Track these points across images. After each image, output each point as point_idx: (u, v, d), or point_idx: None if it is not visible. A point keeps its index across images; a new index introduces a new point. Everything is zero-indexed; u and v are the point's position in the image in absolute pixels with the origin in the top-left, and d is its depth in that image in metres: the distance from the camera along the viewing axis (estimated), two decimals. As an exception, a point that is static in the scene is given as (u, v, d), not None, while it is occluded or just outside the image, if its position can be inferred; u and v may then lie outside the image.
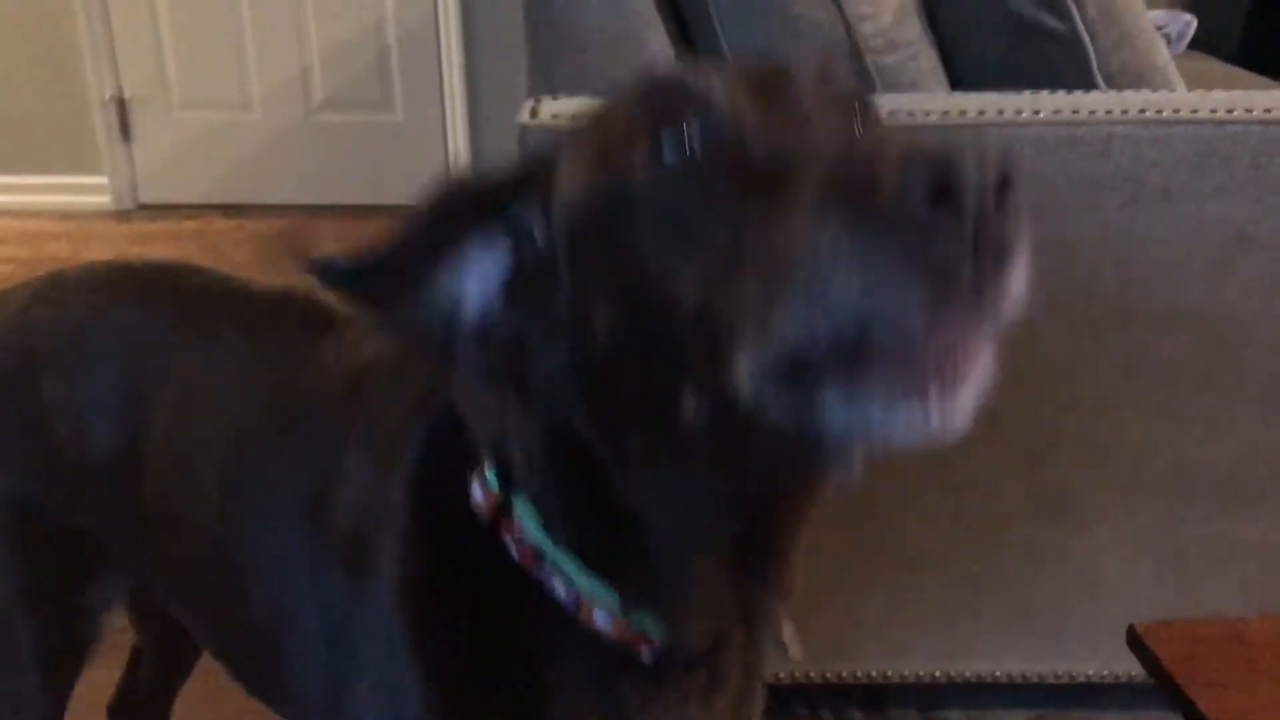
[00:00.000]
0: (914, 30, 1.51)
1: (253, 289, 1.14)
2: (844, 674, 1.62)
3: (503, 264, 0.70)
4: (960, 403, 0.53)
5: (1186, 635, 0.92)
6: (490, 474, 0.78)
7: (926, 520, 1.49)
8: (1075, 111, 1.28)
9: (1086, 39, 1.41)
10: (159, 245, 3.81)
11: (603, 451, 0.69)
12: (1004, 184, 0.49)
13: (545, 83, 1.42)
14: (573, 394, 0.69)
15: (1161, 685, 0.90)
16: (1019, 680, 1.63)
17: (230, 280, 1.16)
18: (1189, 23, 3.06)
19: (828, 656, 1.61)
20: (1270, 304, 1.37)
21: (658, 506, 0.70)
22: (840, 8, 1.43)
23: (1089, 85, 1.41)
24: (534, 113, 1.26)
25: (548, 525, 0.75)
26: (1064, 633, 1.58)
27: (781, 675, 1.58)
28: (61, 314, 1.12)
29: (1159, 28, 2.79)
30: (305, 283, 0.69)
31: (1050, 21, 1.41)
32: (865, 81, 1.46)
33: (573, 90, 1.30)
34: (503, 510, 0.77)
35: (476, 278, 0.70)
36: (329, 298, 0.93)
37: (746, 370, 0.55)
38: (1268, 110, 1.28)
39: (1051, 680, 1.62)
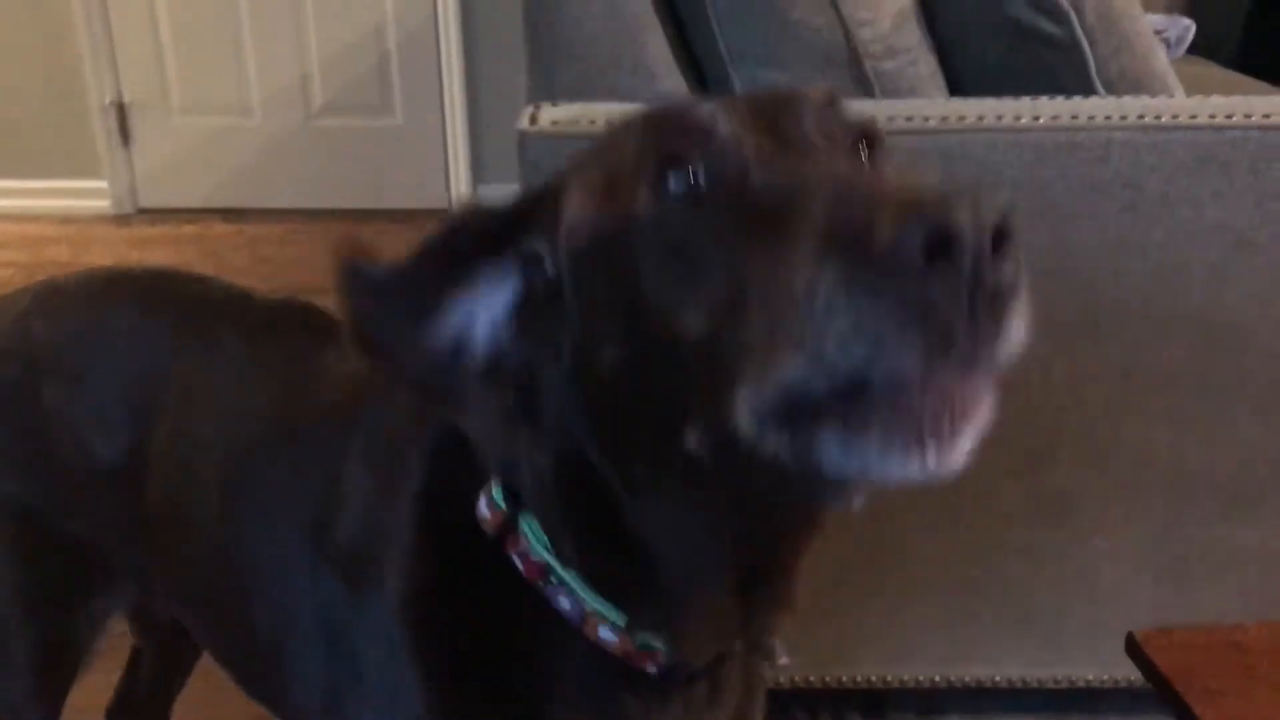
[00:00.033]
0: (913, 35, 1.51)
1: (253, 297, 1.14)
2: (843, 678, 1.62)
3: (513, 293, 0.71)
4: (957, 447, 0.53)
5: (1184, 643, 0.92)
6: (497, 492, 0.78)
7: (926, 525, 1.49)
8: (1074, 117, 1.28)
9: (1085, 44, 1.41)
10: (158, 250, 3.81)
11: (611, 479, 0.70)
12: (1002, 233, 0.50)
13: (545, 88, 1.42)
14: (581, 423, 0.69)
15: (1160, 692, 0.90)
16: (1018, 685, 1.62)
17: (230, 288, 1.16)
18: (1188, 27, 3.06)
19: (827, 661, 1.61)
20: (1269, 309, 1.37)
21: (665, 532, 0.70)
22: (839, 13, 1.43)
23: (1088, 90, 1.41)
24: (534, 119, 1.26)
25: (555, 546, 0.75)
26: (1063, 637, 1.58)
27: (781, 680, 1.58)
28: (62, 321, 1.12)
29: (1158, 32, 2.80)
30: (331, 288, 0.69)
31: (1049, 27, 1.41)
32: (864, 87, 1.46)
33: (572, 96, 1.30)
34: (508, 527, 0.77)
35: (486, 309, 0.71)
36: (330, 308, 0.93)
37: (746, 407, 0.56)
38: (1266, 116, 1.28)
39: (1051, 685, 1.62)
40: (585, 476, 0.71)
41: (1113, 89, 1.42)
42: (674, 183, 0.62)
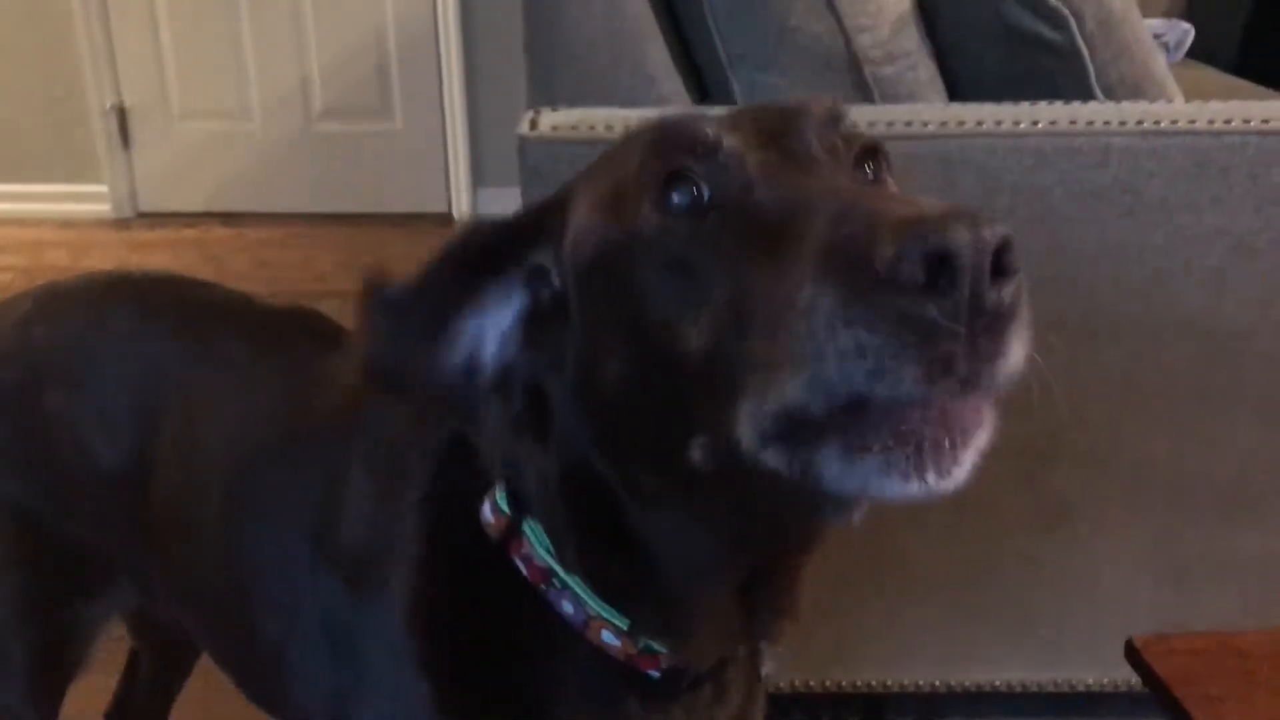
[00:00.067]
0: (912, 41, 1.51)
1: (255, 302, 1.15)
2: (844, 683, 1.62)
3: (519, 306, 0.72)
4: (956, 468, 0.54)
5: (1184, 649, 0.92)
6: (500, 496, 0.79)
7: (925, 529, 1.50)
8: (1073, 122, 1.28)
9: (1085, 50, 1.41)
10: (158, 254, 3.82)
11: (615, 486, 0.70)
12: (1002, 254, 0.50)
13: (545, 93, 1.43)
14: (586, 433, 0.70)
15: (1159, 699, 0.90)
16: (1018, 689, 1.62)
17: (231, 293, 1.17)
18: (1187, 31, 3.06)
19: (827, 665, 1.61)
20: (1268, 314, 1.37)
21: (668, 539, 0.71)
22: (838, 19, 1.44)
23: (1087, 96, 1.41)
24: (534, 124, 1.26)
25: (558, 550, 0.76)
26: (1063, 641, 1.58)
27: (782, 684, 1.58)
28: (62, 324, 1.12)
29: (1157, 36, 2.80)
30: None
31: (1048, 33, 1.41)
32: (863, 92, 1.46)
33: (572, 101, 1.30)
34: (512, 531, 0.78)
35: (494, 323, 0.72)
36: (331, 314, 0.93)
37: (747, 423, 0.56)
38: (1265, 121, 1.29)
39: (1051, 689, 1.62)
40: (589, 482, 0.71)
41: (1112, 94, 1.42)
42: (678, 197, 0.62)
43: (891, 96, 1.47)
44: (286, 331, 1.10)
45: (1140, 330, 1.37)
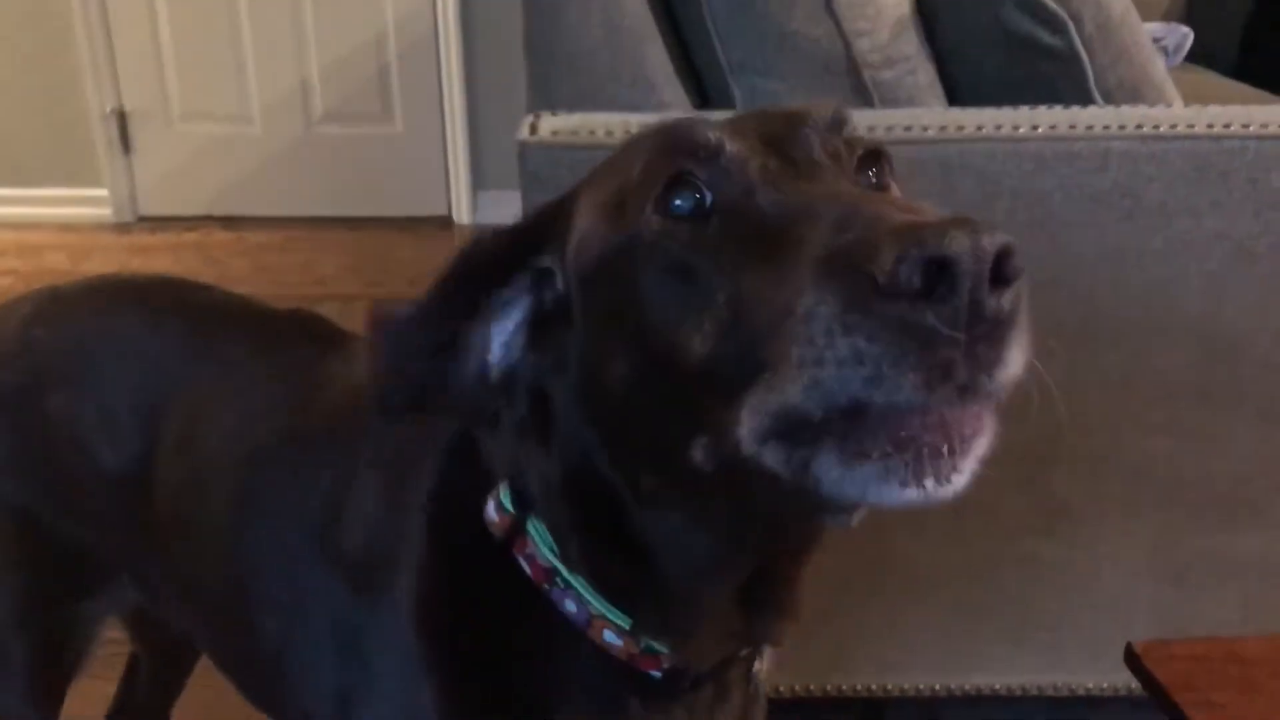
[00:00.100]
0: (911, 45, 1.51)
1: (258, 305, 1.15)
2: (844, 686, 1.62)
3: (524, 308, 0.72)
4: (955, 475, 0.54)
5: (1184, 654, 0.92)
6: (505, 495, 0.79)
7: (925, 533, 1.50)
8: (1072, 127, 1.29)
9: (1083, 54, 1.41)
10: (159, 258, 3.82)
11: (619, 487, 0.71)
12: (1003, 261, 0.50)
13: (545, 98, 1.43)
14: (589, 434, 0.70)
15: (1159, 704, 0.90)
16: (1018, 693, 1.63)
17: (234, 296, 1.17)
18: (1186, 35, 3.07)
19: (827, 669, 1.61)
20: (1267, 318, 1.37)
21: (669, 539, 0.71)
22: (838, 24, 1.44)
23: (1086, 100, 1.42)
24: (534, 129, 1.26)
25: (561, 549, 0.76)
26: (1063, 646, 1.58)
27: (782, 688, 1.58)
28: (64, 327, 1.13)
29: (1156, 40, 2.80)
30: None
31: (1047, 37, 1.41)
32: (862, 97, 1.46)
33: (572, 106, 1.30)
34: (516, 530, 0.78)
35: (500, 327, 0.72)
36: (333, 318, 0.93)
37: (746, 426, 0.56)
38: (1264, 125, 1.29)
39: (1051, 693, 1.62)
40: (592, 484, 0.72)
41: (1111, 98, 1.43)
42: (680, 201, 0.62)
43: (891, 101, 1.47)
44: (287, 333, 1.10)
45: (1140, 334, 1.37)
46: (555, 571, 0.77)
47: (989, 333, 0.51)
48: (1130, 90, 1.44)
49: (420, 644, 0.82)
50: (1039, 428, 1.38)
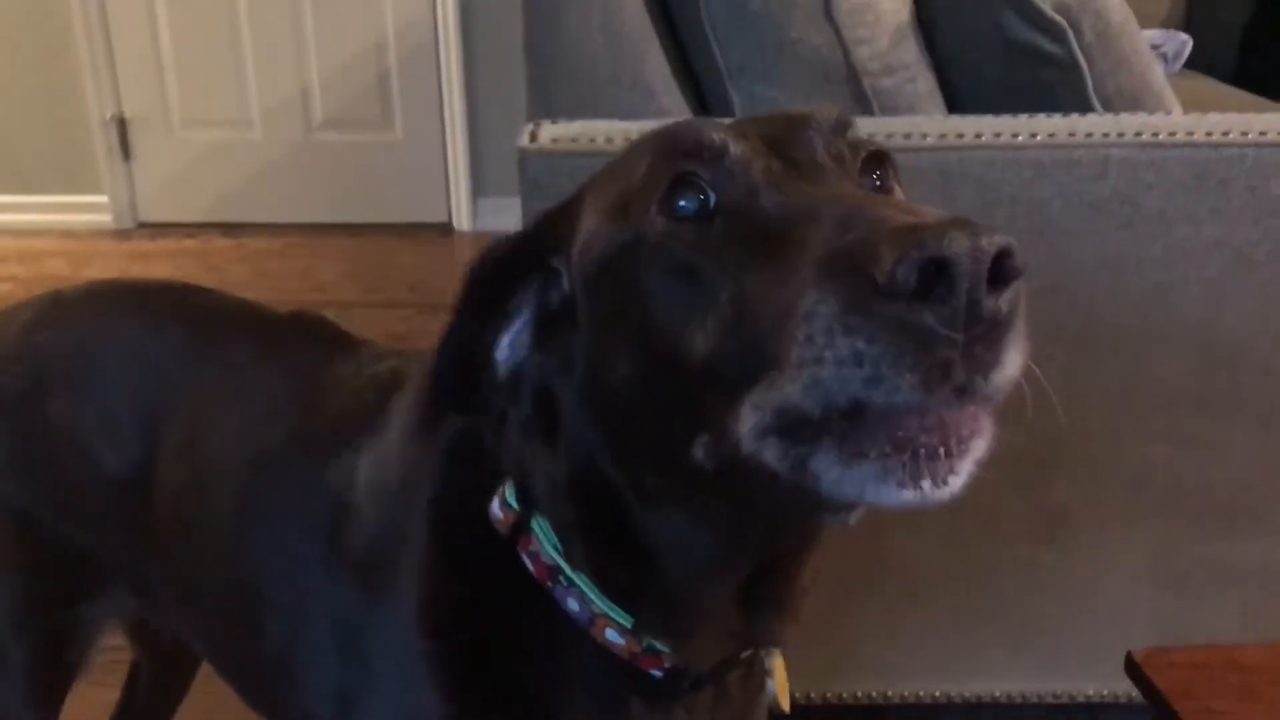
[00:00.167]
0: (911, 53, 1.52)
1: (260, 308, 1.15)
2: (843, 694, 1.62)
3: (531, 310, 0.73)
4: (952, 476, 0.54)
5: (1183, 662, 0.92)
6: (510, 493, 0.79)
7: (925, 539, 1.50)
8: (1072, 134, 1.29)
9: (1083, 63, 1.41)
10: (159, 264, 3.82)
11: (622, 486, 0.71)
12: (1002, 263, 0.50)
13: (545, 105, 1.43)
14: (593, 433, 0.71)
15: (1159, 712, 0.90)
16: (1017, 700, 1.62)
17: (234, 299, 1.18)
18: (1185, 42, 3.07)
19: (826, 676, 1.61)
20: (1267, 326, 1.37)
21: (672, 538, 0.72)
22: (837, 31, 1.44)
23: (1085, 107, 1.42)
24: (534, 137, 1.26)
25: (565, 548, 0.77)
26: (1063, 653, 1.58)
27: (781, 695, 1.57)
28: (65, 331, 1.13)
29: (1155, 47, 2.81)
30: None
31: (1046, 45, 1.42)
32: (862, 104, 1.46)
33: (572, 113, 1.31)
34: (520, 527, 0.79)
35: (508, 328, 0.74)
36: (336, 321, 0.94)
37: (747, 425, 0.57)
38: (1263, 133, 1.29)
39: (1050, 700, 1.62)
40: (596, 484, 0.72)
41: (1110, 106, 1.43)
42: (684, 202, 0.63)
43: (890, 108, 1.47)
44: (290, 335, 1.10)
45: (1139, 341, 1.37)
46: (559, 570, 0.77)
47: (987, 334, 0.51)
48: (1129, 98, 1.44)
49: (422, 643, 0.83)
50: (1038, 433, 1.39)
